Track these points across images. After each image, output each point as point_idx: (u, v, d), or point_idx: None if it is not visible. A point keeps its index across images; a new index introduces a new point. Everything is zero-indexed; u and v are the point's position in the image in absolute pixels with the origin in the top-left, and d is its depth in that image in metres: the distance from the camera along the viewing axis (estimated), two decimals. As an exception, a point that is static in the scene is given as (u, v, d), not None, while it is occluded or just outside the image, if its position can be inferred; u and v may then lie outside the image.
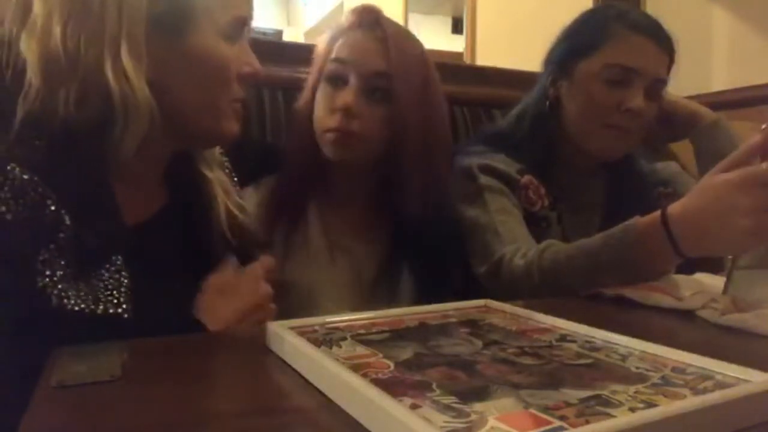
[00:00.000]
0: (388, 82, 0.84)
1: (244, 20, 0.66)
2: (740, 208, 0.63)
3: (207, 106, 0.65)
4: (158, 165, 0.70)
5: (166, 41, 0.61)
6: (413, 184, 0.87)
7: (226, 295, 0.63)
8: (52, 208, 0.55)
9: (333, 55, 0.86)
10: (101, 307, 0.56)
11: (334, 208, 0.91)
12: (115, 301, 0.57)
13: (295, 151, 0.90)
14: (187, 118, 0.64)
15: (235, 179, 0.80)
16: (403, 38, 0.87)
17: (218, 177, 0.74)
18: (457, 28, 3.10)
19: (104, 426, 0.35)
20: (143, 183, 0.68)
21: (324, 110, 0.86)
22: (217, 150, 0.77)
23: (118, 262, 0.58)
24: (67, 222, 0.55)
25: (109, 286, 0.57)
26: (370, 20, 0.87)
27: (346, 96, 0.82)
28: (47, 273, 0.54)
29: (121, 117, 0.58)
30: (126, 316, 0.56)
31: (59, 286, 0.54)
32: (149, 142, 0.61)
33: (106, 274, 0.57)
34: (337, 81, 0.85)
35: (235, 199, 0.75)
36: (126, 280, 0.58)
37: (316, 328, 0.49)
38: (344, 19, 0.90)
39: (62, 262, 0.54)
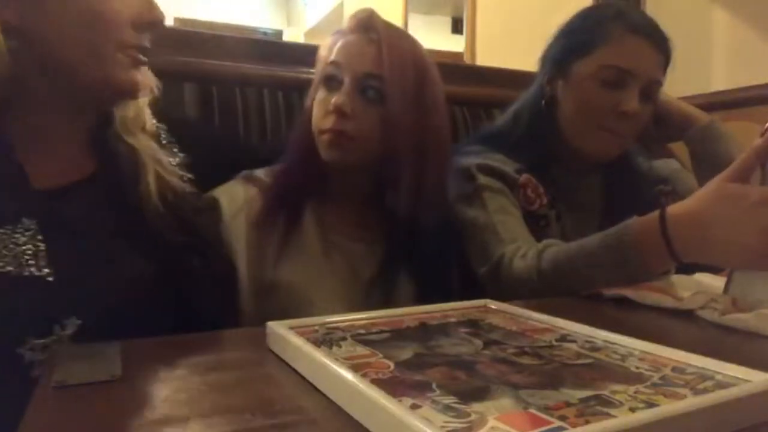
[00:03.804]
0: (381, 83, 0.84)
1: None
2: (754, 226, 0.61)
3: (90, 53, 0.62)
4: (76, 130, 0.68)
5: None
6: (407, 185, 0.87)
7: None
8: None
9: (330, 59, 0.87)
10: (27, 271, 0.56)
11: (331, 208, 0.91)
12: (35, 264, 0.57)
13: (295, 152, 0.91)
14: (70, 68, 0.62)
15: (176, 150, 0.79)
16: (397, 39, 0.88)
17: (146, 144, 0.73)
18: (457, 28, 3.10)
19: (104, 426, 0.35)
20: (63, 149, 0.67)
21: (320, 112, 0.87)
22: (148, 118, 0.75)
23: (33, 227, 0.58)
24: None
25: (28, 252, 0.57)
26: (364, 23, 0.88)
27: (340, 97, 0.83)
28: None
29: None
30: (50, 279, 0.57)
31: None
32: (36, 100, 0.60)
33: (22, 239, 0.58)
34: (332, 83, 0.86)
35: (167, 166, 0.74)
36: (42, 245, 0.58)
37: (316, 328, 0.49)
38: (344, 23, 0.91)
39: None
